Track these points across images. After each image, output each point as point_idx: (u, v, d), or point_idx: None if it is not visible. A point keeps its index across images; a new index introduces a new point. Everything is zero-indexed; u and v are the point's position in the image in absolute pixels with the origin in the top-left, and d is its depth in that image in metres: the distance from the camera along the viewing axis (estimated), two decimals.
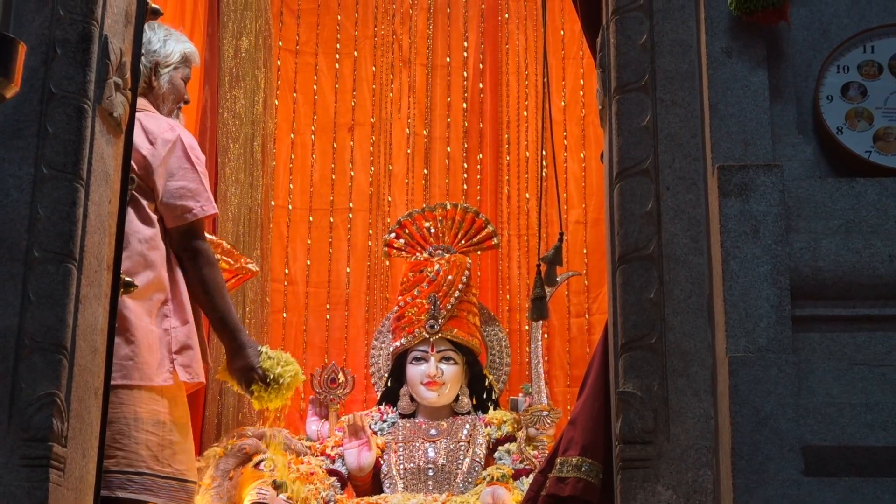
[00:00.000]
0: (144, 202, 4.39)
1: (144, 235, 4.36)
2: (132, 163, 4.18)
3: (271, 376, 4.48)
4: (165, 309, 4.38)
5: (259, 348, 4.54)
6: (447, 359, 5.92)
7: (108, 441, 4.18)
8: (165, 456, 4.33)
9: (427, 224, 6.18)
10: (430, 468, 5.70)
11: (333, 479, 5.63)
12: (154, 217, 4.41)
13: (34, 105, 3.59)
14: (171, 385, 4.37)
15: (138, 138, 4.22)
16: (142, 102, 4.33)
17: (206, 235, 4.66)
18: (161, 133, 4.41)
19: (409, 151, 6.93)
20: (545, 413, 5.63)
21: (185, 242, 4.45)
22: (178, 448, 4.39)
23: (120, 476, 4.23)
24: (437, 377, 5.86)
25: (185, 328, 4.40)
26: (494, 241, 6.22)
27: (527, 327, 6.30)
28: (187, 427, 4.50)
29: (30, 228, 3.50)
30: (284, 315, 6.69)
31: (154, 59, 4.52)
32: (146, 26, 4.35)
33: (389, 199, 6.88)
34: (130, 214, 4.27)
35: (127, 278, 4.09)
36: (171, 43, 4.60)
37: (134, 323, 4.27)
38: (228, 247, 5.50)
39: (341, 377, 6.07)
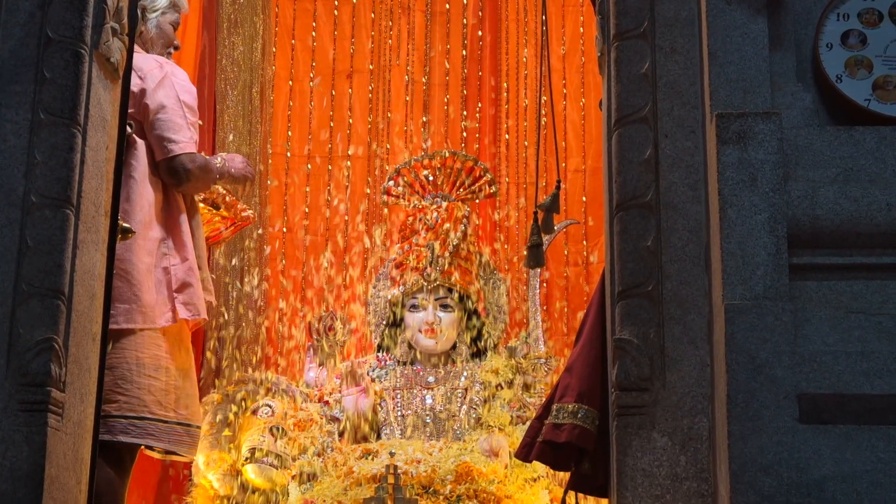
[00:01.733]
0: (137, 140, 4.42)
1: (137, 174, 4.38)
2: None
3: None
4: (164, 247, 4.41)
5: None
6: (445, 306, 5.92)
7: (110, 386, 4.20)
8: (169, 401, 4.35)
9: (426, 172, 6.17)
10: (427, 415, 5.73)
11: (331, 425, 5.66)
12: (147, 153, 4.44)
13: (31, 50, 3.58)
14: (174, 326, 4.40)
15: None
16: None
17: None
18: (150, 70, 4.45)
19: (407, 99, 6.90)
20: (542, 360, 5.65)
21: (168, 178, 4.49)
22: (181, 393, 4.42)
23: (122, 421, 4.25)
24: (434, 324, 5.87)
25: (184, 265, 4.44)
26: (493, 189, 6.21)
27: (525, 275, 6.30)
28: (191, 372, 4.53)
29: (27, 174, 3.50)
30: (283, 262, 6.70)
31: (141, 4, 4.52)
32: None
33: (388, 146, 6.87)
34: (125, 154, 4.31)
35: (124, 224, 4.10)
36: None
37: (135, 265, 4.29)
38: (223, 192, 5.50)
39: (339, 324, 6.08)
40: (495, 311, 6.22)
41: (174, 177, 4.51)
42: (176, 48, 4.75)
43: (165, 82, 4.48)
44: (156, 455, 4.58)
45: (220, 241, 5.54)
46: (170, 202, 4.50)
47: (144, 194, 4.39)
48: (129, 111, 4.38)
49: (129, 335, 4.30)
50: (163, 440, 4.36)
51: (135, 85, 4.39)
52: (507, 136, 6.83)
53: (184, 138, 4.49)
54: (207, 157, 4.68)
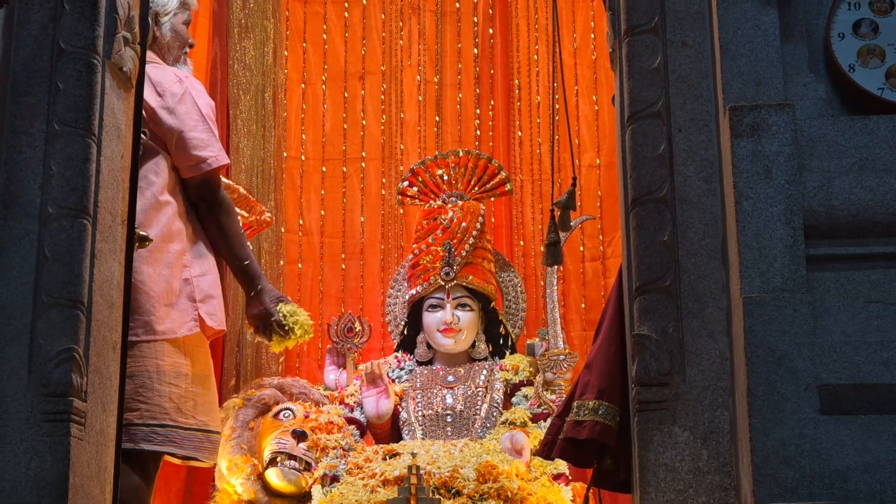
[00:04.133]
0: (156, 153, 4.42)
1: (155, 187, 4.39)
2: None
3: (287, 325, 4.59)
4: (185, 259, 4.42)
5: (279, 297, 4.62)
6: (463, 305, 5.92)
7: (131, 395, 4.22)
8: (188, 408, 4.36)
9: (440, 171, 6.17)
10: (448, 414, 5.73)
11: (352, 427, 5.66)
12: (166, 167, 4.44)
13: (44, 61, 3.60)
14: (193, 335, 4.41)
15: (146, 91, 4.24)
16: (148, 55, 4.35)
17: (223, 180, 4.72)
18: (169, 86, 4.44)
19: (420, 99, 6.91)
20: (562, 357, 5.65)
21: (201, 193, 4.52)
22: (200, 399, 4.43)
23: (144, 429, 4.26)
24: (453, 324, 5.87)
25: (207, 278, 4.45)
26: (508, 186, 6.21)
27: (542, 271, 6.29)
28: (210, 379, 4.54)
29: (43, 185, 3.51)
30: (300, 266, 6.71)
31: (153, 10, 4.52)
32: None
33: (402, 147, 6.87)
34: (141, 167, 4.30)
35: (142, 232, 4.11)
36: None
37: (152, 277, 4.30)
38: (244, 192, 5.52)
39: (358, 326, 6.08)
40: (513, 309, 6.22)
41: (209, 192, 4.52)
42: (191, 46, 4.76)
43: (186, 98, 4.46)
44: (176, 461, 4.59)
45: None
46: (193, 214, 4.51)
47: (163, 207, 4.40)
48: (149, 127, 4.39)
49: (148, 344, 4.32)
50: (184, 447, 4.38)
51: (153, 101, 4.38)
52: (520, 134, 6.83)
53: (212, 153, 4.48)
54: None
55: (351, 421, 5.69)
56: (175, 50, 4.64)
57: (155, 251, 4.30)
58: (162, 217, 4.38)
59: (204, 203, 4.55)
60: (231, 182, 5.54)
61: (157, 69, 4.43)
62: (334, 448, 5.46)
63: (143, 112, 4.29)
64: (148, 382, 4.30)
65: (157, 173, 4.41)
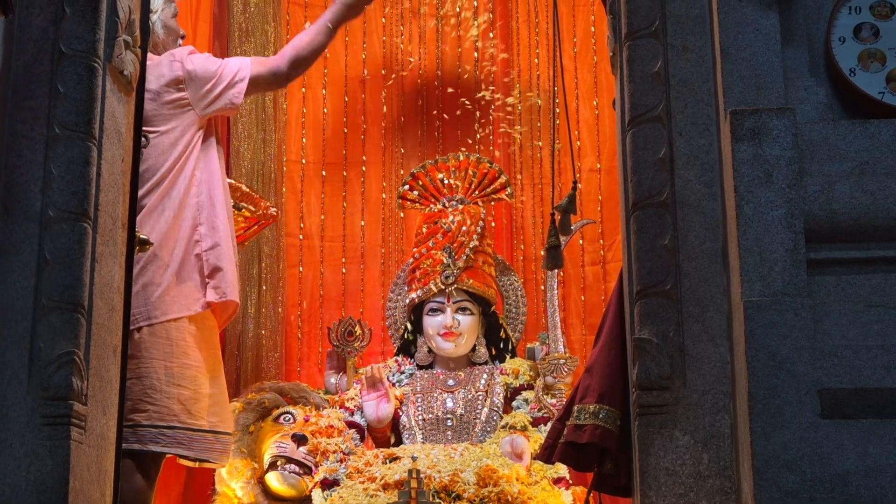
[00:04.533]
0: (171, 144, 4.45)
1: (161, 170, 4.42)
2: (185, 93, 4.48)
3: None
4: (197, 234, 4.45)
5: None
6: (463, 309, 5.92)
7: (140, 395, 4.24)
8: (198, 409, 4.37)
9: (440, 175, 6.17)
10: (448, 418, 5.72)
11: (352, 431, 5.66)
12: (181, 144, 4.48)
13: (45, 65, 3.61)
14: (204, 325, 4.42)
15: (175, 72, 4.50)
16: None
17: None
18: (182, 59, 4.52)
19: (420, 103, 6.90)
20: (562, 361, 5.65)
21: (278, 86, 5.22)
22: (210, 400, 4.43)
23: (152, 430, 4.28)
24: (453, 328, 5.87)
25: (215, 251, 4.49)
26: (508, 190, 6.21)
27: (542, 275, 6.29)
28: (220, 377, 4.54)
29: (44, 188, 3.51)
30: (300, 270, 6.70)
31: None
32: None
33: (402, 151, 6.87)
34: (151, 164, 4.36)
35: (142, 235, 4.12)
36: None
37: (164, 258, 4.33)
38: (247, 190, 5.52)
39: (358, 330, 6.08)
40: (513, 313, 6.22)
41: (269, 88, 5.25)
42: (182, 37, 4.81)
43: (194, 59, 4.58)
44: (188, 463, 4.60)
45: (242, 241, 5.56)
46: (206, 189, 4.53)
47: (174, 190, 4.43)
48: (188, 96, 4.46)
49: (156, 344, 4.32)
50: (192, 448, 4.38)
51: (188, 86, 4.50)
52: (519, 137, 6.82)
53: (233, 96, 4.70)
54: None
55: (351, 425, 5.69)
56: (170, 45, 4.70)
57: (171, 230, 4.35)
58: (172, 199, 4.42)
59: (275, 85, 5.18)
60: (233, 181, 5.55)
61: (155, 64, 4.50)
62: (334, 452, 5.46)
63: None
64: (157, 384, 4.31)
65: (166, 158, 4.44)
